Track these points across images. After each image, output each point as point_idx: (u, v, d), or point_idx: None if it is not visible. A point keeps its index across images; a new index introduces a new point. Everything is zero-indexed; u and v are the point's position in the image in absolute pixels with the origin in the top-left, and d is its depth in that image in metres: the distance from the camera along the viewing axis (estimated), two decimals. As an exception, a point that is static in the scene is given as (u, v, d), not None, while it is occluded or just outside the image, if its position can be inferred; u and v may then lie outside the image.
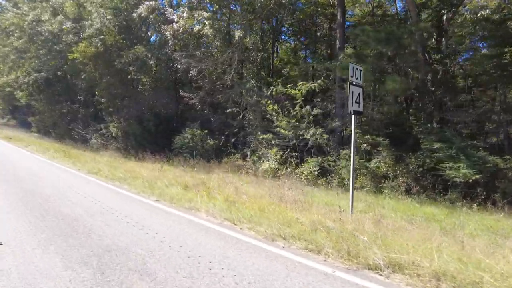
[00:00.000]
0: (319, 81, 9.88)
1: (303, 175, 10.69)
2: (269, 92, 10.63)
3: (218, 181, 8.06)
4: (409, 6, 11.27)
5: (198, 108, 14.94)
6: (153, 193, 6.77)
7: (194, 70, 13.52)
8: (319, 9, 16.88)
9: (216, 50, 13.41)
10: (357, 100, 4.95)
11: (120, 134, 21.81)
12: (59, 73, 28.41)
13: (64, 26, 18.23)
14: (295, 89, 10.08)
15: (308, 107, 10.11)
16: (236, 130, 13.66)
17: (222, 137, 13.99)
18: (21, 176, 8.08)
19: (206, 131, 14.31)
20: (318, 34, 19.19)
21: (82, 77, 24.65)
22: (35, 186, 6.84)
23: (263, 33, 13.91)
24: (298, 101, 10.31)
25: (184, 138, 14.54)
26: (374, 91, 10.66)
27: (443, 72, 11.83)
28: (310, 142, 9.90)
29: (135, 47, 16.73)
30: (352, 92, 4.89)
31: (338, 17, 13.33)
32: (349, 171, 9.75)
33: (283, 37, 18.57)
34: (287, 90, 10.33)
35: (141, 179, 7.88)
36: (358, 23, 15.92)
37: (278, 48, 18.69)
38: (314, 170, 10.49)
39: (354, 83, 4.94)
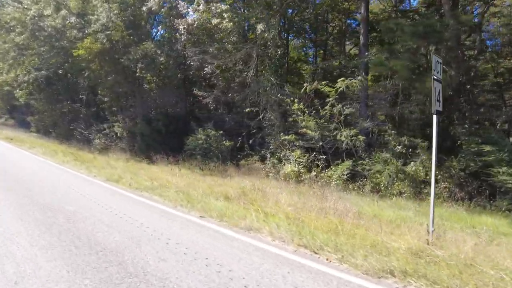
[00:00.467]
0: (359, 78, 9.05)
1: (332, 179, 9.89)
2: (303, 89, 9.82)
3: (252, 190, 7.24)
4: (443, -1, 10.51)
5: (211, 108, 14.09)
6: (193, 206, 5.79)
7: (209, 67, 12.68)
8: (334, 4, 16.11)
9: (231, 46, 12.57)
10: (438, 98, 4.17)
11: (126, 134, 20.93)
12: (60, 72, 27.47)
13: (68, 21, 17.29)
14: (331, 86, 9.26)
15: (340, 105, 9.32)
16: (254, 130, 12.85)
17: (239, 138, 13.15)
18: (33, 186, 6.99)
19: (221, 131, 13.48)
20: (330, 30, 18.42)
21: (85, 75, 23.72)
22: (52, 200, 5.95)
23: (280, 28, 13.09)
24: (331, 99, 9.50)
25: (197, 139, 13.70)
26: (408, 89, 9.89)
27: (476, 69, 11.08)
28: (344, 144, 9.11)
29: (143, 43, 15.86)
30: (435, 88, 4.10)
31: (362, 11, 12.54)
32: (389, 175, 9.04)
33: (292, 34, 17.77)
34: (322, 88, 9.51)
35: (172, 188, 6.97)
36: (376, 18, 15.18)
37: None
38: (343, 174, 9.70)
39: (435, 78, 4.15)
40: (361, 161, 9.46)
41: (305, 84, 9.62)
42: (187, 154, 14.34)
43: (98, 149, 22.47)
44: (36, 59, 26.04)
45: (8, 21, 18.06)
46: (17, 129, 40.23)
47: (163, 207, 5.97)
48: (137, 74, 15.70)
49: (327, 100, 9.58)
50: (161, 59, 14.73)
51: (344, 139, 8.99)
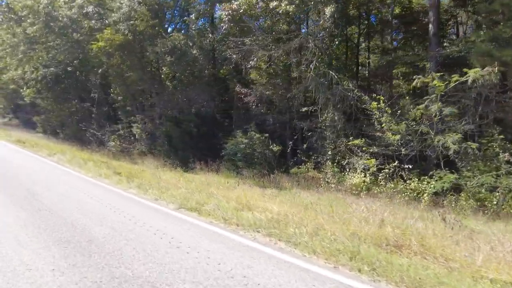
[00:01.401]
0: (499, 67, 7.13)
1: (424, 193, 8.05)
2: (413, 83, 7.97)
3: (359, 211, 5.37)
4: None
5: (253, 107, 12.26)
6: (355, 265, 3.57)
7: (255, 59, 10.85)
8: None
9: (283, 35, 10.75)
10: None
11: (145, 136, 19.10)
12: (69, 69, 25.67)
13: (85, 10, 15.49)
14: (439, 81, 7.42)
15: (440, 104, 7.49)
16: (309, 133, 11.02)
17: (290, 143, 11.29)
18: (96, 235, 4.35)
19: (266, 134, 11.64)
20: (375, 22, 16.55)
21: (99, 71, 21.92)
22: (124, 260, 3.68)
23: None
24: (431, 96, 7.65)
25: (238, 142, 11.85)
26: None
27: None
28: (451, 152, 7.28)
29: (171, 34, 14.08)
30: None
31: (432, -5, 10.75)
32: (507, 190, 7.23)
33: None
34: (431, 82, 7.61)
35: (290, 224, 4.68)
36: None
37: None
38: (442, 189, 7.86)
39: None
40: (464, 174, 7.61)
41: (415, 77, 7.78)
42: (224, 159, 12.51)
43: (114, 152, 20.65)
44: (45, 55, 24.22)
45: (20, 9, 16.24)
46: (22, 130, 38.49)
47: (310, 266, 3.59)
48: (163, 69, 13.87)
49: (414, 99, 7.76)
50: (194, 51, 12.90)
51: (451, 145, 7.16)
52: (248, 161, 11.69)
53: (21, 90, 27.99)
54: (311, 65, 10.37)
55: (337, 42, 10.76)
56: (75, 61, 26.09)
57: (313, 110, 10.39)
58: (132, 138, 20.00)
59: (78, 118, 27.87)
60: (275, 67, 11.67)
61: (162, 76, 16.03)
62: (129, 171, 8.78)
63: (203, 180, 8.72)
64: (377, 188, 9.54)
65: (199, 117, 14.32)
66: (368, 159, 9.57)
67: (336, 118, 9.81)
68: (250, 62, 11.01)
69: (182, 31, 15.18)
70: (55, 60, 25.91)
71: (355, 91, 9.51)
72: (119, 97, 25.13)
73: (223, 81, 14.77)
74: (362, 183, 9.48)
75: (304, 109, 10.48)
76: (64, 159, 10.92)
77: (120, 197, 6.94)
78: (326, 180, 10.43)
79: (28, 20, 16.06)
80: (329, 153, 10.58)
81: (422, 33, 12.00)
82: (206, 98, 15.01)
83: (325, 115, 10.02)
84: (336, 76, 10.05)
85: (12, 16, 16.88)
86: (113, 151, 20.84)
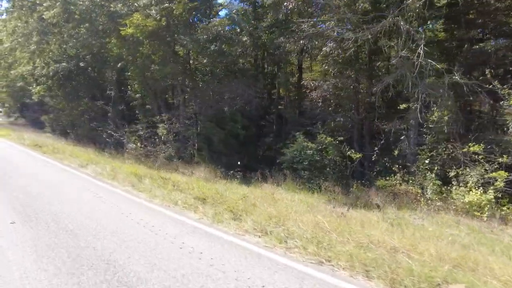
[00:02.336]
0: None
1: None
2: None
3: None
4: None
5: (319, 104, 10.08)
6: None
7: (331, 44, 8.67)
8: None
9: (365, 15, 8.58)
10: None
11: (172, 138, 16.96)
12: (82, 64, 23.62)
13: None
14: None
15: None
16: (402, 137, 8.83)
17: (375, 149, 9.05)
18: None
19: (340, 138, 9.46)
20: None
21: (118, 65, 19.84)
22: None
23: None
24: None
25: (304, 148, 9.68)
26: None
27: None
28: None
29: (211, 20, 11.95)
30: None
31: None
32: None
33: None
34: None
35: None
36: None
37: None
38: None
39: None
40: None
41: None
42: (283, 167, 10.34)
43: (136, 155, 18.53)
44: (56, 50, 22.19)
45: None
46: (30, 129, 36.54)
47: None
48: (197, 62, 11.72)
49: None
50: (244, 39, 10.73)
51: None
52: (316, 171, 9.52)
53: (31, 87, 25.94)
54: (402, 52, 8.20)
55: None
56: (87, 56, 24.08)
57: (412, 107, 8.20)
58: (157, 139, 17.88)
59: (90, 117, 25.80)
60: (349, 55, 9.49)
61: (197, 69, 13.86)
62: (211, 194, 6.14)
63: (311, 203, 6.54)
64: (504, 209, 7.37)
65: (247, 117, 12.14)
66: (491, 171, 7.38)
67: (446, 118, 7.63)
68: (325, 49, 8.81)
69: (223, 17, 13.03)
70: (66, 55, 23.91)
71: (473, 83, 7.35)
72: (137, 95, 23.09)
73: (270, 74, 12.60)
74: (485, 202, 7.28)
75: (402, 105, 8.30)
76: (103, 172, 8.12)
77: (265, 268, 3.65)
78: (426, 196, 8.23)
79: (45, 4, 13.96)
80: (426, 161, 8.40)
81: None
82: (251, 95, 12.82)
83: (433, 114, 7.83)
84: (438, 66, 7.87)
85: (25, 2, 14.81)
86: (135, 154, 18.76)
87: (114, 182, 7.25)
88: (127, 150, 19.30)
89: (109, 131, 20.43)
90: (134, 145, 19.14)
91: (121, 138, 20.37)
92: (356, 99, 9.93)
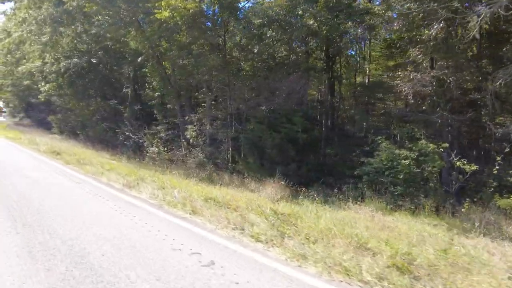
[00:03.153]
0: None
1: None
2: None
3: None
4: None
5: (409, 100, 8.04)
6: None
7: (437, 28, 6.60)
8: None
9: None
10: None
11: (202, 141, 14.94)
12: (93, 60, 21.68)
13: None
14: None
15: None
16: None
17: (499, 159, 6.96)
18: None
19: (445, 145, 7.40)
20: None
21: (139, 59, 17.89)
22: None
23: None
24: None
25: (395, 157, 7.62)
26: None
27: None
28: None
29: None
30: None
31: None
32: None
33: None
34: None
35: None
36: None
37: None
38: None
39: None
40: None
41: None
42: (363, 181, 8.28)
43: (158, 160, 16.52)
44: (66, 45, 20.25)
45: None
46: (37, 130, 34.67)
47: None
48: (255, 51, 9.66)
49: None
50: (311, 22, 8.69)
51: None
52: (412, 186, 7.47)
53: (38, 85, 24.01)
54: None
55: None
56: (99, 52, 22.15)
57: None
58: (183, 142, 15.85)
59: (102, 117, 23.85)
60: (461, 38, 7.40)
61: (240, 62, 11.82)
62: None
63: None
64: None
65: (307, 118, 10.07)
66: None
67: None
68: (430, 32, 6.74)
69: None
70: (77, 51, 21.99)
71: None
72: (156, 93, 21.12)
73: (331, 68, 10.54)
74: None
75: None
76: (169, 198, 5.48)
77: None
78: None
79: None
80: None
81: None
82: (306, 92, 10.77)
83: None
84: None
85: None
86: (157, 159, 16.75)
87: (205, 222, 4.43)
88: (147, 154, 17.33)
89: (127, 133, 18.44)
90: (157, 149, 17.15)
91: (141, 141, 18.39)
92: (456, 94, 7.88)
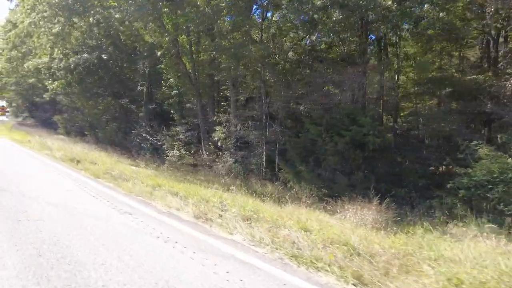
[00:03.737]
0: None
1: None
2: None
3: None
4: None
5: None
6: None
7: None
8: None
9: None
10: None
11: (231, 145, 13.36)
12: (104, 56, 20.17)
13: None
14: None
15: None
16: None
17: None
18: None
19: None
20: None
21: (158, 53, 16.36)
22: None
23: None
24: None
25: (507, 168, 6.04)
26: None
27: None
28: None
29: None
30: None
31: None
32: None
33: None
34: None
35: None
36: None
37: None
38: None
39: None
40: None
41: None
42: (459, 197, 6.71)
43: (180, 165, 14.98)
44: (75, 40, 18.77)
45: None
46: (42, 130, 33.18)
47: None
48: (313, 38, 8.10)
49: None
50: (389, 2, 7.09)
51: None
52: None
53: (46, 83, 22.47)
54: None
55: None
56: (109, 48, 20.65)
57: None
58: (208, 145, 14.28)
59: (113, 117, 22.34)
60: None
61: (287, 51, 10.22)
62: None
63: None
64: None
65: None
66: None
67: None
68: None
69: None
70: (86, 46, 20.49)
71: None
72: (173, 91, 19.58)
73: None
74: None
75: None
76: (258, 237, 3.63)
77: None
78: None
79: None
80: None
81: None
82: (363, 87, 9.17)
83: None
84: None
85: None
86: (176, 164, 15.21)
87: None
88: (167, 158, 15.79)
89: (143, 134, 16.88)
90: (178, 152, 15.62)
91: (159, 143, 16.83)
92: None
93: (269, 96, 11.47)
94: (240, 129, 12.98)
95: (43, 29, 14.82)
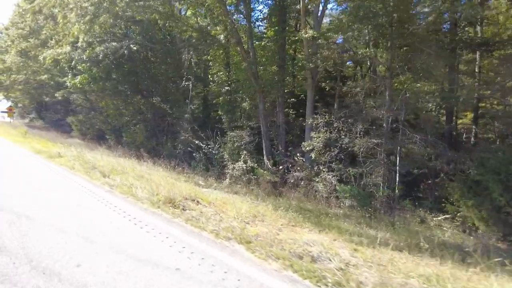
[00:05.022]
0: None
1: None
2: None
3: None
4: None
5: None
6: None
7: None
8: None
9: None
10: None
11: (331, 158, 9.76)
12: (134, 47, 16.76)
13: None
14: None
15: None
16: None
17: None
18: None
19: None
20: None
21: (221, 37, 12.88)
22: None
23: None
24: None
25: None
26: None
27: None
28: None
29: None
30: None
31: None
32: None
33: None
34: None
35: None
36: None
37: None
38: None
39: None
40: None
41: None
42: None
43: (248, 182, 11.42)
44: (99, 27, 15.39)
45: None
46: (53, 133, 29.85)
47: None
48: None
49: None
50: None
51: None
52: None
53: (65, 78, 19.05)
54: None
55: None
56: (138, 37, 17.22)
57: None
58: (300, 158, 10.66)
59: (144, 119, 18.87)
60: None
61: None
62: None
63: None
64: None
65: None
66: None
67: None
68: None
69: None
70: (111, 34, 17.11)
71: None
72: (223, 88, 16.13)
73: None
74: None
75: None
76: None
77: None
78: None
79: None
80: None
81: None
82: None
83: None
84: None
85: None
86: (242, 179, 11.67)
87: None
88: (228, 173, 12.24)
89: (197, 141, 13.28)
90: (244, 165, 12.08)
91: (214, 152, 13.27)
92: None
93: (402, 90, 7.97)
94: (344, 136, 9.48)
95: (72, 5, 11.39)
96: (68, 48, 16.77)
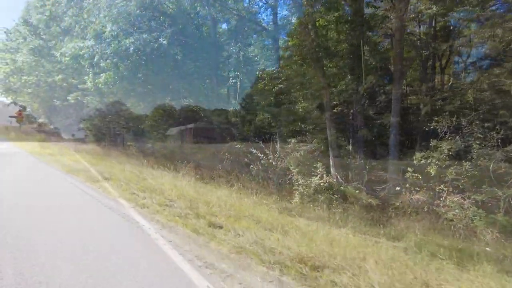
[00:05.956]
0: None
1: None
2: None
3: None
4: None
5: None
6: None
7: None
8: None
9: None
10: None
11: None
12: (163, 41, 14.51)
13: None
14: None
15: None
16: None
17: None
18: None
19: None
20: None
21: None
22: None
23: None
24: None
25: None
26: None
27: None
28: None
29: None
30: None
31: None
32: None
33: None
34: None
35: None
36: None
37: None
38: None
39: None
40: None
41: None
42: None
43: (325, 201, 8.97)
44: (123, 19, 13.21)
45: None
46: (62, 139, 27.76)
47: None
48: None
49: None
50: None
51: None
52: None
53: (85, 77, 16.80)
54: None
55: None
56: (168, 30, 14.97)
57: None
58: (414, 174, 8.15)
59: (178, 122, 16.57)
60: None
61: None
62: None
63: None
64: None
65: None
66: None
67: None
68: None
69: None
70: (135, 27, 14.89)
71: None
72: (275, 87, 13.71)
73: None
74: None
75: None
76: None
77: None
78: None
79: None
80: None
81: None
82: None
83: None
84: None
85: None
86: (316, 197, 9.20)
87: None
88: (298, 191, 9.74)
89: (254, 151, 10.77)
90: (319, 180, 9.60)
91: (274, 163, 10.81)
92: None
93: None
94: (479, 144, 7.06)
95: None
96: (91, 42, 14.56)
